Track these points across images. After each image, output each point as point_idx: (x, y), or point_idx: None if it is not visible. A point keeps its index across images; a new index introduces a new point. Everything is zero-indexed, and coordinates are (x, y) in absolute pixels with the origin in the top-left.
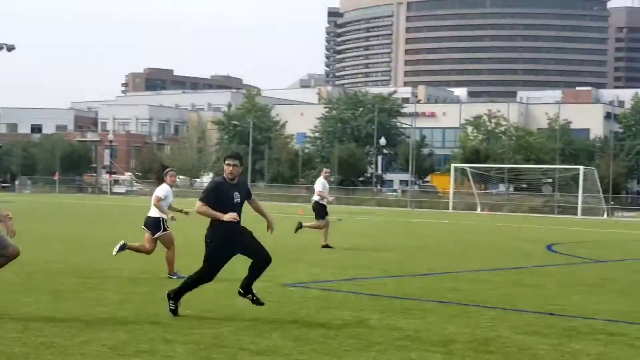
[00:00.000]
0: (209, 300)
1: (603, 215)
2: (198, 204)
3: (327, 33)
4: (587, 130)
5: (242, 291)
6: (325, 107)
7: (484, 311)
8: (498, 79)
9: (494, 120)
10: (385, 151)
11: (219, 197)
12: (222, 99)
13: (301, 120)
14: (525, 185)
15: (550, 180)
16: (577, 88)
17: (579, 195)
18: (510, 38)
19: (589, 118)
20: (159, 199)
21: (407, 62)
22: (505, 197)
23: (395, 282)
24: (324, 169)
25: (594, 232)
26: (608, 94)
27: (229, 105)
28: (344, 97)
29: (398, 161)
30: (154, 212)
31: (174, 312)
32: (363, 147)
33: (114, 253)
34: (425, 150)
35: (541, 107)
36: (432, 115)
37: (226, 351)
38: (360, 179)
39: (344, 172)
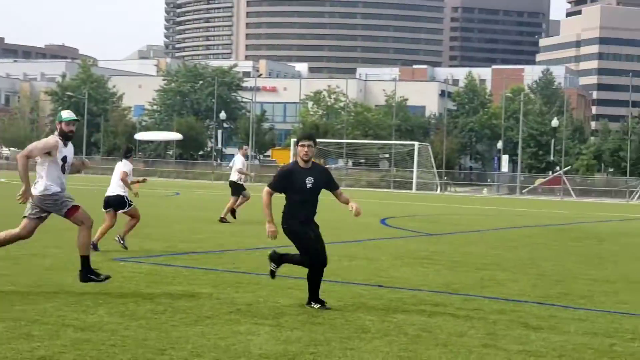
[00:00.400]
0: (34, 276)
1: (436, 190)
2: (264, 189)
3: (167, 4)
4: (422, 108)
5: (313, 303)
6: (164, 80)
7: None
8: (338, 55)
9: (333, 96)
10: (225, 125)
11: (290, 183)
12: (56, 68)
13: (139, 93)
14: (363, 161)
15: (387, 155)
16: (414, 66)
17: (414, 171)
18: (350, 15)
19: (424, 96)
20: (126, 174)
21: (248, 36)
22: (343, 172)
23: (230, 256)
24: (244, 146)
25: (427, 207)
26: (443, 72)
27: (63, 76)
28: (183, 70)
29: (238, 135)
30: (114, 191)
31: (273, 274)
32: (203, 120)
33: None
34: (266, 125)
35: (379, 84)
36: (273, 89)
37: (48, 328)
38: (200, 153)
39: (183, 146)
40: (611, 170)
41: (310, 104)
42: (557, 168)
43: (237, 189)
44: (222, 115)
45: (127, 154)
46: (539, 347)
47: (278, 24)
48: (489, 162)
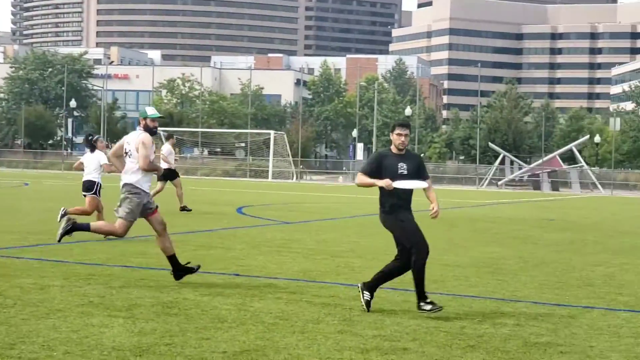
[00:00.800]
0: None
1: (292, 179)
2: (358, 175)
3: None
4: (278, 96)
5: (422, 303)
6: (11, 67)
7: (170, 274)
8: (192, 43)
9: (187, 84)
10: (75, 113)
11: (382, 167)
12: None
13: None
14: (219, 149)
15: (243, 144)
16: (269, 55)
17: (270, 159)
18: (204, 2)
19: (280, 84)
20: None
21: (99, 22)
22: (199, 161)
23: (81, 248)
24: (174, 136)
25: (283, 195)
26: (299, 61)
27: None
28: (31, 57)
29: (89, 124)
30: (90, 176)
31: (368, 304)
32: (52, 109)
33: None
34: (118, 113)
35: (234, 72)
36: (125, 77)
37: None
38: (49, 142)
39: (32, 135)
40: (462, 157)
41: (164, 92)
42: None
43: (172, 175)
44: (73, 103)
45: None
46: (394, 332)
47: (130, 10)
48: (344, 151)
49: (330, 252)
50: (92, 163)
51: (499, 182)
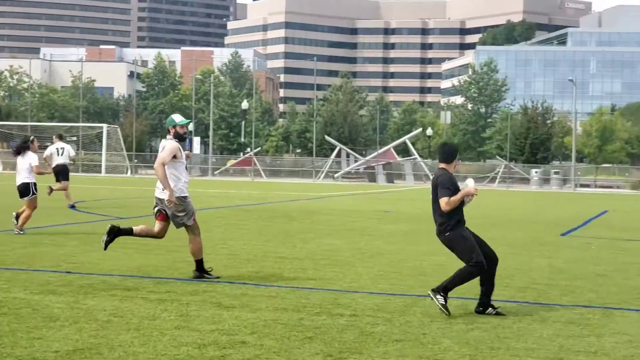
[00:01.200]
0: None
1: (127, 173)
2: (445, 201)
3: None
4: (111, 89)
5: (481, 309)
6: None
7: None
8: (20, 34)
9: (16, 77)
10: None
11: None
12: None
13: None
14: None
15: (74, 138)
16: (101, 46)
17: (103, 154)
18: None
19: (113, 77)
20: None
21: None
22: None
23: None
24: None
25: (117, 190)
26: (132, 53)
27: None
28: None
29: None
30: (23, 179)
31: (445, 307)
32: None
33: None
34: None
35: (65, 64)
36: None
37: None
38: None
39: None
40: (299, 151)
41: None
42: (248, 149)
43: (66, 173)
44: None
45: (27, 145)
46: (232, 326)
47: None
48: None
49: (166, 248)
50: (23, 165)
51: (335, 175)
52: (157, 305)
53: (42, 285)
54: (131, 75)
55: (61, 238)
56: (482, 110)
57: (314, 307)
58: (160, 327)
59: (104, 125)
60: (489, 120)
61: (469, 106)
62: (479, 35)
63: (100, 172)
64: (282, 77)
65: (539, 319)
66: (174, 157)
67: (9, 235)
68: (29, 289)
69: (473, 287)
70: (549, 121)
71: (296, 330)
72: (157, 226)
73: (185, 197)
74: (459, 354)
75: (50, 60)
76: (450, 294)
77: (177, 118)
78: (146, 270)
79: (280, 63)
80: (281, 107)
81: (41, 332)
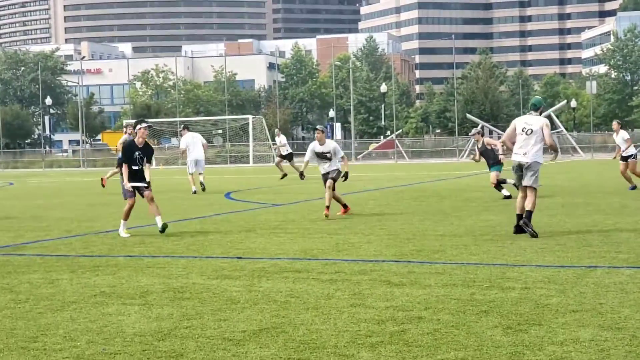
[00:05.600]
0: None
1: (273, 162)
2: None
3: None
4: (252, 81)
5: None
6: None
7: (174, 261)
8: (162, 34)
9: (161, 75)
10: (52, 111)
11: None
12: None
13: None
14: None
15: (220, 131)
16: (239, 40)
17: (250, 144)
18: None
19: (252, 69)
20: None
21: (67, 19)
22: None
23: (80, 241)
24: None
25: (267, 179)
26: (269, 45)
27: None
28: (3, 57)
29: (67, 120)
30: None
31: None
32: (28, 107)
33: None
34: (95, 108)
35: (206, 60)
36: (99, 71)
37: None
38: (27, 141)
39: (9, 135)
40: (438, 131)
41: (138, 84)
42: (389, 132)
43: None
44: (48, 101)
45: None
46: (405, 302)
47: (97, 5)
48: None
49: (326, 231)
50: None
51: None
52: (329, 285)
53: (217, 270)
54: (270, 66)
55: (224, 226)
56: (628, 77)
57: (484, 281)
58: (337, 306)
59: (250, 117)
60: (636, 87)
61: (613, 75)
62: (619, 1)
63: (248, 162)
64: (417, 58)
65: None
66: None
67: (176, 226)
68: (205, 275)
69: None
70: None
71: (470, 304)
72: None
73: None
74: None
75: (192, 57)
76: (619, 263)
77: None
78: (312, 253)
79: (414, 44)
80: (417, 88)
81: (225, 314)
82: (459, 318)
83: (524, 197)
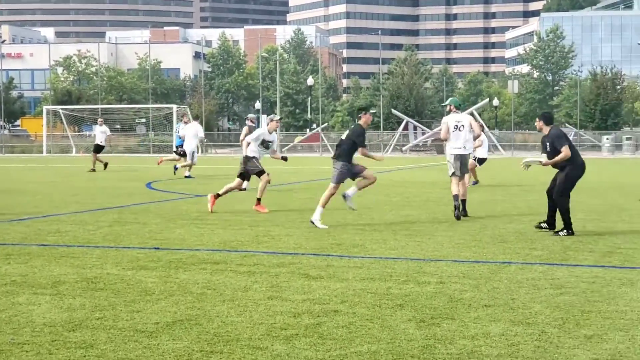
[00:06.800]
0: None
1: (198, 153)
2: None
3: None
4: (177, 70)
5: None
6: None
7: (89, 251)
8: (85, 19)
9: (84, 61)
10: None
11: None
12: None
13: None
14: (119, 126)
15: (143, 120)
16: (165, 28)
17: (174, 134)
18: None
19: (178, 58)
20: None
21: None
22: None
23: None
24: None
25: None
26: (195, 33)
27: None
28: None
29: None
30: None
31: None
32: None
33: None
34: (14, 93)
35: (131, 47)
36: (19, 56)
37: None
38: None
39: None
40: None
41: (60, 69)
42: (315, 125)
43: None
44: None
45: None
46: (322, 295)
47: None
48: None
49: (248, 222)
50: None
51: (404, 148)
52: (247, 278)
53: (133, 261)
54: (196, 55)
55: (144, 216)
56: (549, 77)
57: (401, 275)
58: (253, 298)
59: (174, 106)
60: (556, 87)
61: (535, 74)
62: (543, 2)
63: (171, 152)
64: (345, 53)
65: (628, 282)
66: None
67: (93, 215)
68: (120, 265)
69: (557, 253)
70: (618, 87)
71: (386, 298)
72: None
73: None
74: (550, 317)
75: (116, 44)
76: (532, 259)
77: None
78: (232, 245)
79: (342, 38)
80: (345, 82)
81: (139, 306)
82: (375, 311)
83: (461, 184)
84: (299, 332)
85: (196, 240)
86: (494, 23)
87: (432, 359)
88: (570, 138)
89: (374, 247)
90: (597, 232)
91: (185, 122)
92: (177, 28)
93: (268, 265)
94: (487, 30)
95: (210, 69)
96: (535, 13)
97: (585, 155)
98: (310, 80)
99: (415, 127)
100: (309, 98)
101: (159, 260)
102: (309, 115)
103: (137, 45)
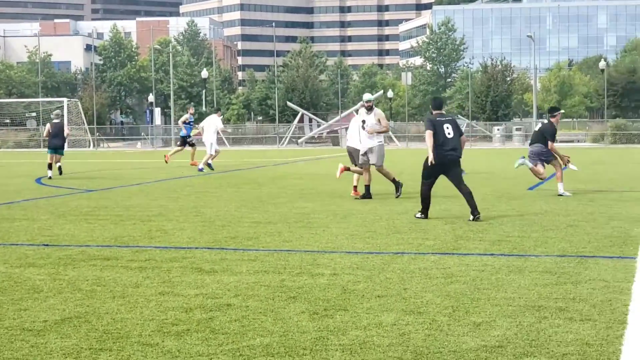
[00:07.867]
0: None
1: (89, 147)
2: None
3: None
4: (68, 63)
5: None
6: None
7: None
8: None
9: None
10: None
11: None
12: None
13: None
14: (8, 121)
15: (34, 114)
16: (55, 20)
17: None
18: None
19: (69, 50)
20: None
21: None
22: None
23: None
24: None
25: (82, 164)
26: (87, 26)
27: None
28: None
29: None
30: None
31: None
32: None
33: None
34: None
35: (20, 39)
36: None
37: None
38: None
39: None
40: (260, 118)
41: None
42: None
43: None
44: None
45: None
46: (215, 289)
47: None
48: (140, 116)
49: (140, 217)
50: None
51: (299, 140)
52: (138, 273)
53: (21, 258)
54: (87, 48)
55: (33, 212)
56: (442, 70)
57: (294, 268)
58: (144, 294)
59: (64, 100)
60: (449, 80)
61: (428, 67)
62: None
63: None
64: (240, 45)
65: (516, 269)
66: None
67: None
68: (7, 263)
69: (449, 242)
70: (508, 78)
71: (279, 291)
72: None
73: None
74: (441, 306)
75: (4, 37)
76: (425, 249)
77: (366, 96)
78: (123, 240)
79: (237, 30)
80: (240, 75)
81: (27, 304)
82: (268, 304)
83: (367, 173)
84: (191, 328)
85: (86, 236)
86: (387, 16)
87: (324, 350)
88: (463, 129)
89: (268, 239)
90: (488, 221)
91: (192, 114)
92: (67, 20)
93: (160, 261)
94: (380, 23)
95: (102, 62)
96: (428, 6)
97: (477, 146)
98: (204, 73)
99: (310, 120)
100: (204, 91)
101: (48, 257)
102: (204, 108)
103: (27, 38)
